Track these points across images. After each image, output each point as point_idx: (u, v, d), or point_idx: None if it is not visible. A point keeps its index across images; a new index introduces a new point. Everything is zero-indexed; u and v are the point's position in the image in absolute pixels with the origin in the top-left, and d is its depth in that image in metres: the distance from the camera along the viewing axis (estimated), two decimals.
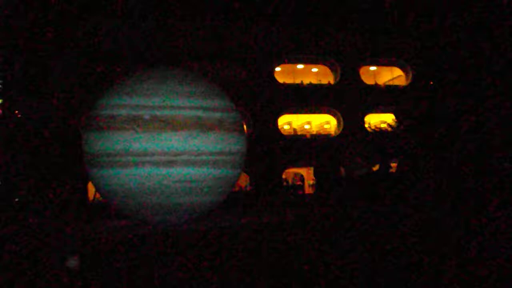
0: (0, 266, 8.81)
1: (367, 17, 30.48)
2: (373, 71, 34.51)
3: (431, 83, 29.28)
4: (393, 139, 24.91)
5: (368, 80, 32.77)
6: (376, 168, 24.10)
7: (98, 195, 20.95)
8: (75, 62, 20.73)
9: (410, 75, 33.27)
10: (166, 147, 13.08)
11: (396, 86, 33.40)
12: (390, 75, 34.94)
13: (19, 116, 18.09)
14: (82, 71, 23.54)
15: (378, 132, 27.40)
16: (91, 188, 21.90)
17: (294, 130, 34.27)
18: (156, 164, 12.95)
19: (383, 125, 29.19)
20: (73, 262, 8.60)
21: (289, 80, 31.96)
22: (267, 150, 27.76)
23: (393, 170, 21.86)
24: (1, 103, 17.50)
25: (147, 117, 13.50)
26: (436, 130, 22.31)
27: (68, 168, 17.80)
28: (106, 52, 24.33)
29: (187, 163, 12.96)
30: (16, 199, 14.02)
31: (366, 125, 29.88)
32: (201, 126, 13.53)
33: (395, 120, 27.39)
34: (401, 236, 11.00)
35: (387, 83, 34.40)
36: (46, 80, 16.93)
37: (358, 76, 31.75)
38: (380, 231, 11.93)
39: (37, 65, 16.12)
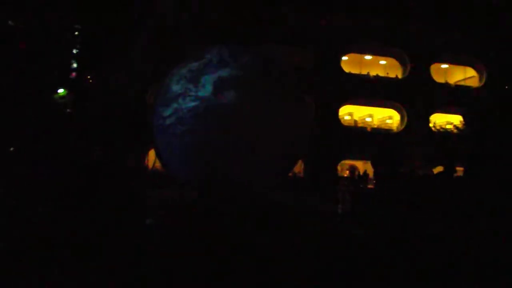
0: None
1: (445, 11, 29.15)
2: (445, 69, 33.07)
3: (506, 87, 27.82)
4: (459, 141, 23.93)
5: (438, 78, 31.50)
6: (437, 170, 23.29)
7: (157, 164, 21.58)
8: (150, 35, 21.14)
9: (484, 77, 31.68)
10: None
11: (467, 87, 31.94)
12: (463, 75, 33.41)
13: (90, 81, 18.77)
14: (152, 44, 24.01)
15: (443, 133, 26.41)
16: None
17: (355, 121, 33.65)
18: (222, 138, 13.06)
19: (449, 126, 28.11)
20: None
21: (355, 70, 31.27)
22: (325, 139, 27.40)
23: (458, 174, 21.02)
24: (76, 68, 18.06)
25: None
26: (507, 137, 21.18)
27: (134, 137, 18.36)
28: (176, 27, 24.65)
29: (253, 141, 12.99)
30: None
31: (431, 125, 28.84)
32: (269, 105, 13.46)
33: (463, 122, 26.28)
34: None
35: (458, 83, 32.94)
36: (123, 51, 17.40)
37: (429, 72, 30.58)
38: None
39: (116, 37, 16.59)
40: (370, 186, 22.78)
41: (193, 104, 13.81)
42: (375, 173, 20.25)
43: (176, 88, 14.33)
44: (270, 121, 13.27)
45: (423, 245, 9.92)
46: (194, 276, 7.05)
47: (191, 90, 13.98)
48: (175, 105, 14.11)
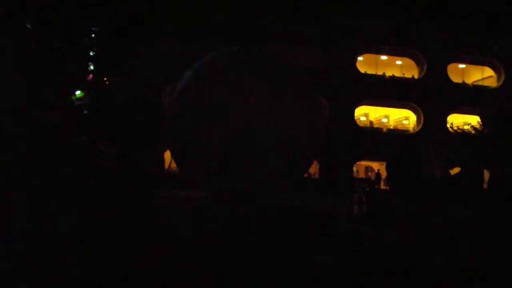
0: None
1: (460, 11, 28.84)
2: (462, 69, 32.65)
3: None
4: (477, 142, 23.61)
5: (455, 78, 31.11)
6: (455, 171, 22.99)
7: (173, 165, 21.76)
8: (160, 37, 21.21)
9: (503, 77, 31.17)
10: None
11: (485, 87, 31.50)
12: (480, 75, 32.94)
13: (107, 83, 18.92)
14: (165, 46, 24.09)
15: (461, 134, 26.05)
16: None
17: (371, 122, 33.43)
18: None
19: (467, 127, 27.72)
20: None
21: (371, 71, 31.06)
22: (340, 140, 27.27)
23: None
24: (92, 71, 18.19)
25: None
26: None
27: (149, 138, 18.49)
28: (187, 28, 24.71)
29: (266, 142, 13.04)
30: None
31: (448, 125, 28.47)
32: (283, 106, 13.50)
33: (481, 123, 25.90)
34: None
35: (475, 83, 32.51)
36: (133, 55, 17.51)
37: (445, 72, 30.22)
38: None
39: (126, 40, 16.67)
40: (386, 187, 22.59)
41: (208, 104, 13.92)
42: (389, 174, 20.06)
43: (192, 88, 14.46)
44: (284, 120, 13.33)
45: (434, 247, 9.83)
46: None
47: (206, 90, 14.09)
48: (190, 106, 14.25)
